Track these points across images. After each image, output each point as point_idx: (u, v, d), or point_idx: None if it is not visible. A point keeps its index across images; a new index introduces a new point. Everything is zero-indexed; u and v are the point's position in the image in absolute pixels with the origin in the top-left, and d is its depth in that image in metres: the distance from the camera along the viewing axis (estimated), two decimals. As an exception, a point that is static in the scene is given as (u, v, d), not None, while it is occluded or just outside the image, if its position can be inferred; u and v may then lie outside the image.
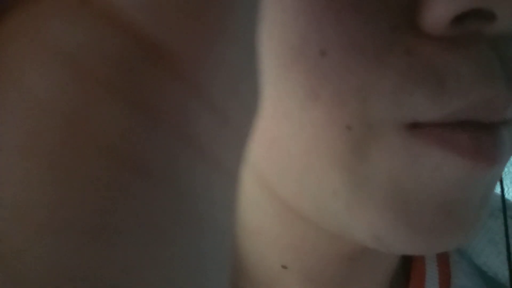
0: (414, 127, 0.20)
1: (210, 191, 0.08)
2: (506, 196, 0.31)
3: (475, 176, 0.21)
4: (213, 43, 0.08)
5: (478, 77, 0.19)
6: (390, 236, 0.22)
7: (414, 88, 0.19)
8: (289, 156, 0.22)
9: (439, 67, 0.19)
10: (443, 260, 0.33)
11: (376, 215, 0.21)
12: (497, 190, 0.36)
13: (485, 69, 0.19)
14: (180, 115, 0.08)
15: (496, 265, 0.33)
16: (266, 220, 0.27)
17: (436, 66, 0.19)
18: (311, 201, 0.23)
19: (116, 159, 0.07)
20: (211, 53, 0.08)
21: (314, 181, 0.22)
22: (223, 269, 0.09)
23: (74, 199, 0.07)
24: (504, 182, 0.33)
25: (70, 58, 0.07)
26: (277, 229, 0.27)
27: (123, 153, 0.07)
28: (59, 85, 0.07)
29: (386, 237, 0.22)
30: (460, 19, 0.19)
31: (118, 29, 0.07)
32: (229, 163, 0.09)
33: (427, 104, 0.19)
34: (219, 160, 0.08)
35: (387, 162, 0.21)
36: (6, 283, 0.06)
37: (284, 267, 0.28)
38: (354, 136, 0.20)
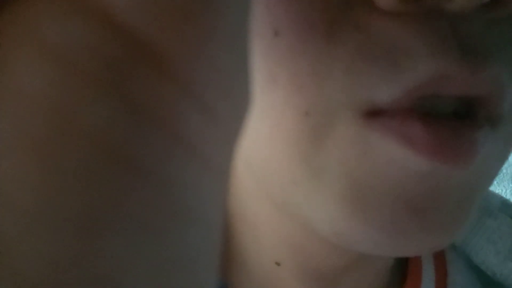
0: (372, 115, 0.19)
1: (200, 188, 0.08)
2: (504, 196, 0.31)
3: (438, 174, 0.19)
4: (204, 42, 0.08)
5: (431, 50, 0.18)
6: (350, 233, 0.21)
7: (366, 67, 0.18)
8: (254, 143, 0.22)
9: (390, 42, 0.18)
10: (440, 258, 0.33)
11: (334, 208, 0.20)
12: (497, 190, 0.36)
13: (438, 43, 0.18)
14: (170, 113, 0.08)
15: (494, 264, 0.33)
16: (261, 215, 0.27)
17: (387, 42, 0.18)
18: (277, 191, 0.23)
19: (107, 155, 0.07)
20: (202, 52, 0.08)
21: (276, 170, 0.22)
22: (211, 262, 0.09)
23: (64, 194, 0.07)
24: (502, 183, 0.33)
25: (61, 56, 0.07)
26: (271, 225, 0.27)
27: (113, 150, 0.07)
28: (49, 82, 0.07)
29: (346, 234, 0.21)
30: None
31: (110, 27, 0.07)
32: (218, 161, 0.09)
33: (381, 83, 0.18)
34: (208, 158, 0.08)
35: (342, 152, 0.20)
36: (3, 279, 0.06)
37: (277, 263, 0.28)
38: (311, 123, 0.20)
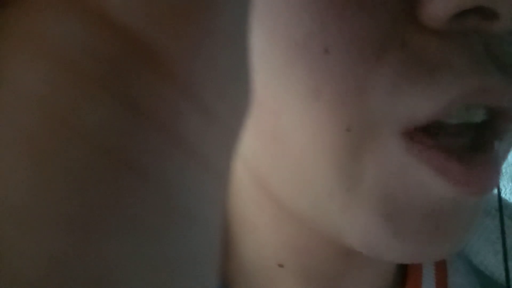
0: (411, 135, 0.20)
1: (199, 188, 0.08)
2: (503, 195, 0.31)
3: (464, 199, 0.21)
4: (203, 43, 0.08)
5: (470, 66, 0.19)
6: (380, 244, 0.22)
7: (409, 86, 0.19)
8: (286, 153, 0.22)
9: (431, 59, 0.19)
10: (440, 260, 0.33)
11: (366, 221, 0.22)
12: (494, 190, 0.36)
13: (477, 60, 0.19)
14: (169, 114, 0.08)
15: (493, 264, 0.33)
16: (262, 218, 0.27)
17: (428, 57, 0.19)
18: (306, 200, 0.23)
19: (106, 156, 0.07)
20: (201, 53, 0.08)
21: (310, 181, 0.22)
22: (211, 264, 0.09)
23: (62, 194, 0.07)
24: (501, 183, 0.33)
25: (59, 55, 0.07)
26: (273, 227, 0.27)
27: (112, 151, 0.07)
28: (47, 82, 0.07)
29: (376, 244, 0.22)
30: (461, 14, 0.19)
31: (108, 28, 0.07)
32: (218, 162, 0.09)
33: (420, 100, 0.19)
34: (208, 159, 0.08)
35: (379, 168, 0.21)
36: (0, 279, 0.06)
37: (280, 265, 0.28)
38: (352, 138, 0.20)
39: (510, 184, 0.93)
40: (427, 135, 0.20)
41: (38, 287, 0.07)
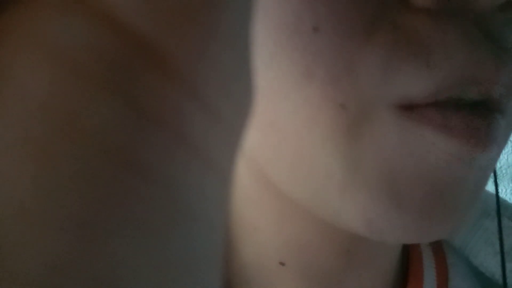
0: (407, 109, 0.20)
1: (203, 189, 0.08)
2: (504, 196, 0.31)
3: (467, 158, 0.21)
4: (206, 43, 0.08)
5: (462, 43, 0.19)
6: (382, 220, 0.22)
7: (401, 64, 0.19)
8: (284, 139, 0.22)
9: (425, 39, 0.19)
10: (441, 262, 0.33)
11: (368, 198, 0.21)
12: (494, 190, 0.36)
13: (469, 37, 0.19)
14: (173, 113, 0.08)
15: (493, 265, 0.33)
16: (263, 217, 0.27)
17: (422, 39, 0.19)
18: (305, 185, 0.23)
19: (110, 156, 0.07)
20: (204, 53, 0.08)
21: (308, 166, 0.22)
22: (215, 264, 0.09)
23: (66, 194, 0.07)
24: (502, 184, 0.33)
25: (65, 57, 0.07)
26: (274, 225, 0.27)
27: (116, 151, 0.07)
28: (53, 83, 0.07)
29: (378, 221, 0.22)
30: None
31: (113, 28, 0.07)
32: (222, 161, 0.09)
33: (415, 79, 0.19)
34: (212, 159, 0.08)
35: (379, 143, 0.20)
36: (3, 279, 0.06)
37: (282, 264, 0.28)
38: (348, 116, 0.20)
39: (511, 185, 0.93)
40: (424, 106, 0.20)
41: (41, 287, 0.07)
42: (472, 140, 0.20)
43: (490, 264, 0.33)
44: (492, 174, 0.26)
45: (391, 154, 0.21)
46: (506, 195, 0.92)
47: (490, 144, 0.21)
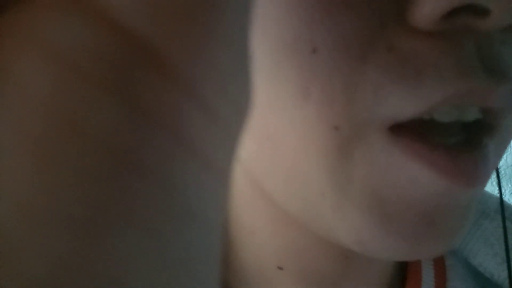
0: (395, 131, 0.20)
1: (201, 188, 0.08)
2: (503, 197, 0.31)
3: (455, 193, 0.21)
4: (205, 43, 0.08)
5: (456, 68, 0.19)
6: (373, 242, 0.22)
7: (394, 87, 0.19)
8: (279, 154, 0.22)
9: (417, 61, 0.19)
10: (439, 263, 0.33)
11: (359, 219, 0.22)
12: (494, 192, 0.36)
13: (463, 62, 0.19)
14: (172, 114, 0.08)
15: (492, 266, 0.33)
16: (260, 220, 0.27)
17: (414, 61, 0.19)
18: (299, 201, 0.23)
19: (109, 156, 0.07)
20: (203, 53, 0.08)
21: (302, 181, 0.22)
22: (213, 264, 0.09)
23: (66, 192, 0.07)
24: (506, 186, 0.33)
25: (65, 58, 0.07)
26: (271, 229, 0.27)
27: (115, 150, 0.07)
28: (52, 84, 0.07)
29: (369, 242, 0.22)
30: (452, 13, 0.18)
31: (112, 29, 0.07)
32: (220, 161, 0.09)
33: (407, 101, 0.19)
34: (210, 159, 0.08)
35: (368, 165, 0.21)
36: (6, 279, 0.06)
37: (280, 268, 0.28)
38: (341, 137, 0.20)
39: (510, 185, 0.93)
40: (414, 132, 0.20)
41: (44, 287, 0.07)
42: (460, 178, 0.20)
43: (489, 264, 0.33)
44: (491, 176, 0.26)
45: (380, 178, 0.21)
46: (505, 195, 0.93)
47: (477, 180, 0.20)
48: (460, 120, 0.21)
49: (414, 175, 0.20)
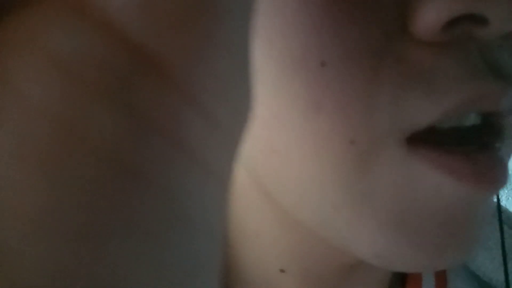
0: (412, 141, 0.20)
1: (201, 194, 0.08)
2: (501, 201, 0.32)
3: (476, 198, 0.21)
4: (204, 50, 0.08)
5: (466, 74, 0.19)
6: (391, 254, 0.22)
7: (408, 96, 0.19)
8: (288, 166, 0.22)
9: (428, 71, 0.19)
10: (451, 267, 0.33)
11: (377, 233, 0.21)
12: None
13: (473, 67, 0.19)
14: (172, 120, 0.08)
15: (490, 270, 0.33)
16: (264, 224, 0.27)
17: (425, 71, 0.19)
18: (312, 213, 0.23)
19: (109, 162, 0.07)
20: (202, 60, 0.08)
21: (315, 194, 0.22)
22: (213, 269, 0.09)
23: (67, 201, 0.07)
24: (502, 190, 0.33)
25: (65, 65, 0.07)
26: (275, 233, 0.27)
27: (116, 157, 0.07)
28: (54, 91, 0.07)
29: (387, 255, 0.22)
30: (451, 23, 0.19)
31: (112, 37, 0.07)
32: (220, 167, 0.09)
33: (422, 109, 0.19)
34: (210, 164, 0.08)
35: (387, 178, 0.20)
36: (3, 283, 0.06)
37: (282, 271, 0.28)
38: (357, 150, 0.20)
39: (506, 191, 0.94)
40: (430, 141, 0.20)
41: None
42: (482, 182, 0.20)
43: (487, 268, 0.33)
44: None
45: (399, 192, 0.21)
46: (501, 201, 0.93)
47: (498, 181, 0.21)
48: (461, 125, 0.21)
49: (435, 184, 0.20)
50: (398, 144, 0.20)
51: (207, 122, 0.08)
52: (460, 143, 0.21)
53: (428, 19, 0.19)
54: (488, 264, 0.33)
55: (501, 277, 0.32)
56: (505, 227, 0.32)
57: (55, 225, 0.07)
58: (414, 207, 0.21)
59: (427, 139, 0.20)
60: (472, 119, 0.21)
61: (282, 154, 0.22)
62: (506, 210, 0.35)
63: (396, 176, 0.20)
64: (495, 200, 0.30)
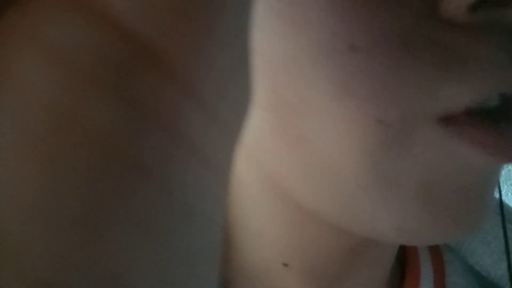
0: (447, 122, 0.20)
1: (201, 186, 0.08)
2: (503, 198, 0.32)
3: (496, 168, 0.22)
4: (204, 43, 0.08)
5: (499, 57, 0.20)
6: (414, 226, 0.22)
7: (440, 76, 0.20)
8: (312, 152, 0.22)
9: (460, 52, 0.20)
10: (437, 259, 0.33)
11: (400, 206, 0.22)
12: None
13: (504, 50, 0.20)
14: (171, 112, 0.08)
15: (488, 264, 0.33)
16: (269, 222, 0.27)
17: (458, 52, 0.20)
18: (332, 198, 0.23)
19: (109, 155, 0.07)
20: (202, 52, 0.08)
21: (339, 177, 0.22)
22: (213, 260, 0.09)
23: (68, 192, 0.07)
24: (502, 186, 0.33)
25: (65, 58, 0.07)
26: (279, 229, 0.27)
27: (116, 149, 0.07)
28: (52, 81, 0.07)
29: (410, 227, 0.22)
30: (480, 5, 0.19)
31: (113, 30, 0.07)
32: (219, 160, 0.09)
33: (455, 89, 0.20)
34: (209, 157, 0.08)
35: (418, 158, 0.21)
36: (9, 278, 0.07)
37: (285, 265, 0.28)
38: (387, 131, 0.20)
39: (505, 186, 0.93)
40: (462, 118, 0.21)
41: (47, 285, 0.07)
42: (506, 155, 0.21)
43: (485, 262, 0.33)
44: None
45: (430, 169, 0.21)
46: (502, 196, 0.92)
47: None
48: (485, 108, 0.21)
49: (469, 158, 0.21)
50: (431, 124, 0.20)
51: (206, 115, 0.08)
52: (494, 119, 0.21)
53: (454, 0, 0.19)
54: (487, 258, 0.33)
55: (500, 271, 0.32)
56: (507, 223, 0.32)
57: (54, 214, 0.07)
58: (440, 179, 0.21)
59: (458, 117, 0.21)
60: (496, 100, 0.21)
61: (307, 141, 0.22)
62: (507, 205, 0.35)
63: (427, 155, 0.21)
64: (496, 195, 0.30)
